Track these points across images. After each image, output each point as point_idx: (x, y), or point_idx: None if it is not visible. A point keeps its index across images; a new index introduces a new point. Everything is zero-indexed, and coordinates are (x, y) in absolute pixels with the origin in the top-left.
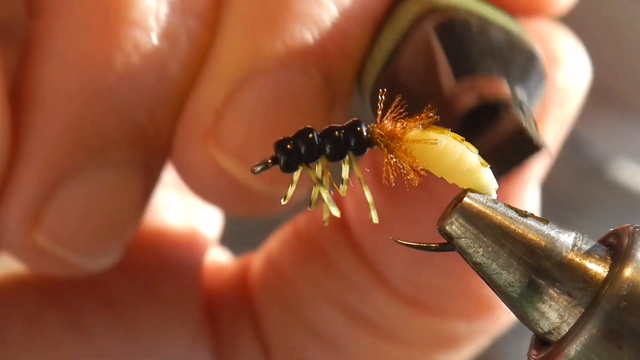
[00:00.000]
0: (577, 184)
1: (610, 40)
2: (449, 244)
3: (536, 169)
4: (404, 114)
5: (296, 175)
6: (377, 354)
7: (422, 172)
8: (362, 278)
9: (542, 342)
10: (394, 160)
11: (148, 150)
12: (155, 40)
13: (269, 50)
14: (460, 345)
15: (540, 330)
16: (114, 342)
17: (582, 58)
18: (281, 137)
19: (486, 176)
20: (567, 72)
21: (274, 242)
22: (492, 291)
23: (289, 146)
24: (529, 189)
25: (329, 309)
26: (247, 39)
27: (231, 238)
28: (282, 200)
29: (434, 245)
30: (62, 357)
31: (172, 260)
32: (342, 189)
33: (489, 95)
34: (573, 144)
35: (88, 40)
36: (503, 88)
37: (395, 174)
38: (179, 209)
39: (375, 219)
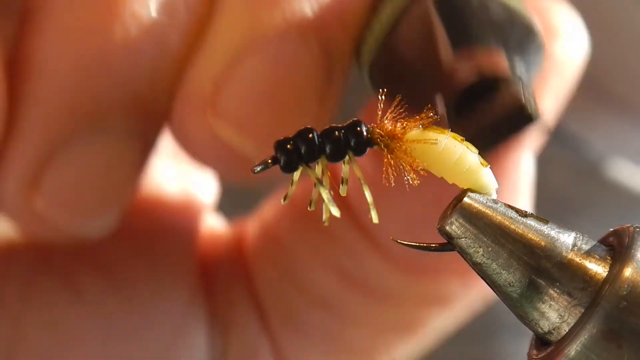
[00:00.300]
0: (575, 184)
1: (610, 40)
2: (449, 244)
3: (532, 137)
4: (404, 113)
5: (296, 175)
6: (370, 314)
7: (422, 172)
8: (356, 241)
9: (542, 342)
10: (394, 160)
11: (145, 119)
12: (153, 11)
13: (268, 22)
14: (454, 304)
15: (540, 330)
16: (109, 305)
17: (579, 29)
18: (281, 137)
19: (486, 176)
20: (565, 43)
21: (268, 207)
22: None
23: (288, 146)
24: (525, 157)
25: (323, 272)
26: (246, 11)
27: (226, 204)
28: (282, 201)
29: (434, 245)
30: (57, 320)
31: (168, 225)
32: (342, 189)
33: (488, 70)
34: (571, 144)
35: (87, 11)
36: (501, 61)
37: (396, 174)
38: (175, 175)
39: (375, 219)
